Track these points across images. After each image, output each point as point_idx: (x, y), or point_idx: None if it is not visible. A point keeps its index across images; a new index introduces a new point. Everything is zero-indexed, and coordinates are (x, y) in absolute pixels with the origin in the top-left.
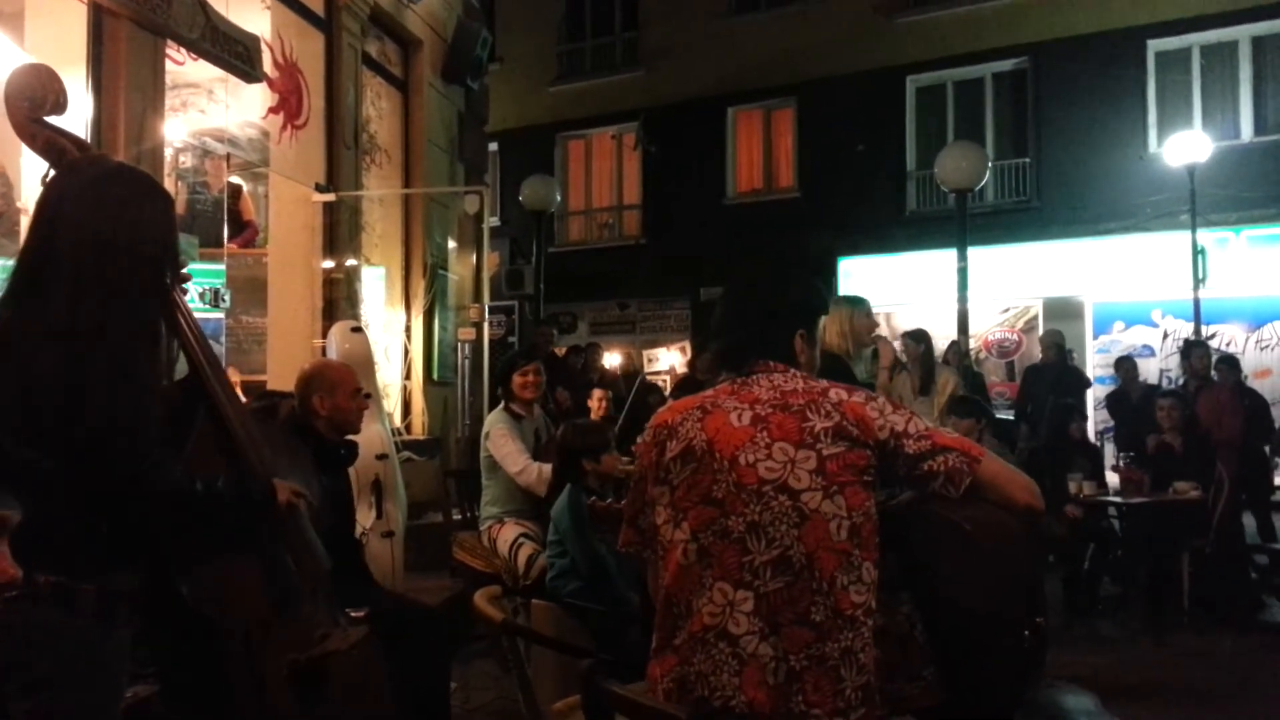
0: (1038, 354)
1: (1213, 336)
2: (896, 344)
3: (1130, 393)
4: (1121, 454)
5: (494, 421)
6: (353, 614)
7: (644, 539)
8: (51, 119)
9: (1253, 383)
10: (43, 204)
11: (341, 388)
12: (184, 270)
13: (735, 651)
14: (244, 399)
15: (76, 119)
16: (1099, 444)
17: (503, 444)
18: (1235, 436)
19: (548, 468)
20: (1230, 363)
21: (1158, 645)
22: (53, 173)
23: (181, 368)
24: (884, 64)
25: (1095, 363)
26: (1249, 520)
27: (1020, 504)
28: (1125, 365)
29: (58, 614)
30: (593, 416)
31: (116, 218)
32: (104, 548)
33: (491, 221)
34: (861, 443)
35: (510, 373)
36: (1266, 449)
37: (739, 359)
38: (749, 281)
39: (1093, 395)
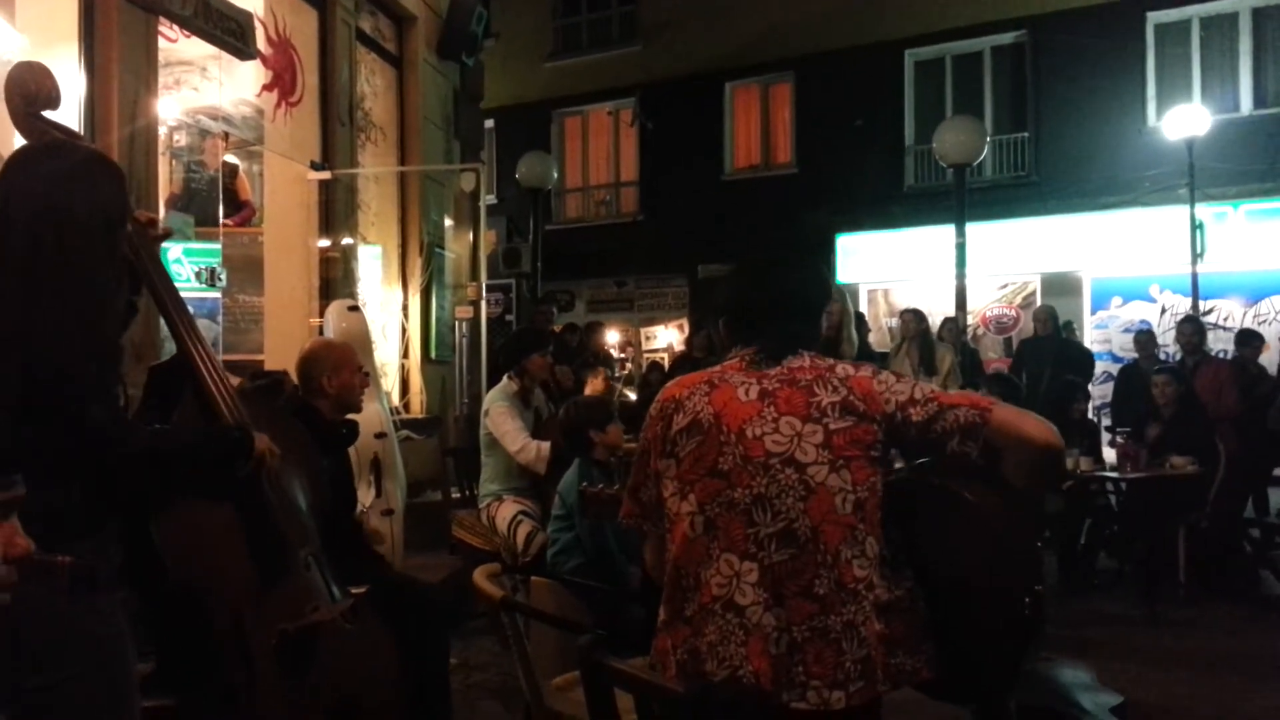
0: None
1: (1210, 311)
2: (894, 321)
3: (1145, 369)
4: (1118, 430)
5: (494, 399)
6: (353, 591)
7: (645, 512)
8: (47, 113)
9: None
10: None
11: (347, 365)
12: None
13: (741, 622)
14: (237, 378)
15: (70, 98)
16: (1096, 419)
17: (502, 422)
18: (1233, 412)
19: (546, 445)
20: (1249, 338)
21: (1153, 619)
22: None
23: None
24: (882, 38)
25: (1093, 338)
26: None
27: (1039, 442)
28: (1142, 340)
29: (37, 590)
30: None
31: (74, 189)
32: (75, 516)
33: (488, 199)
34: (869, 417)
35: (530, 353)
36: None
37: (783, 353)
38: (782, 272)
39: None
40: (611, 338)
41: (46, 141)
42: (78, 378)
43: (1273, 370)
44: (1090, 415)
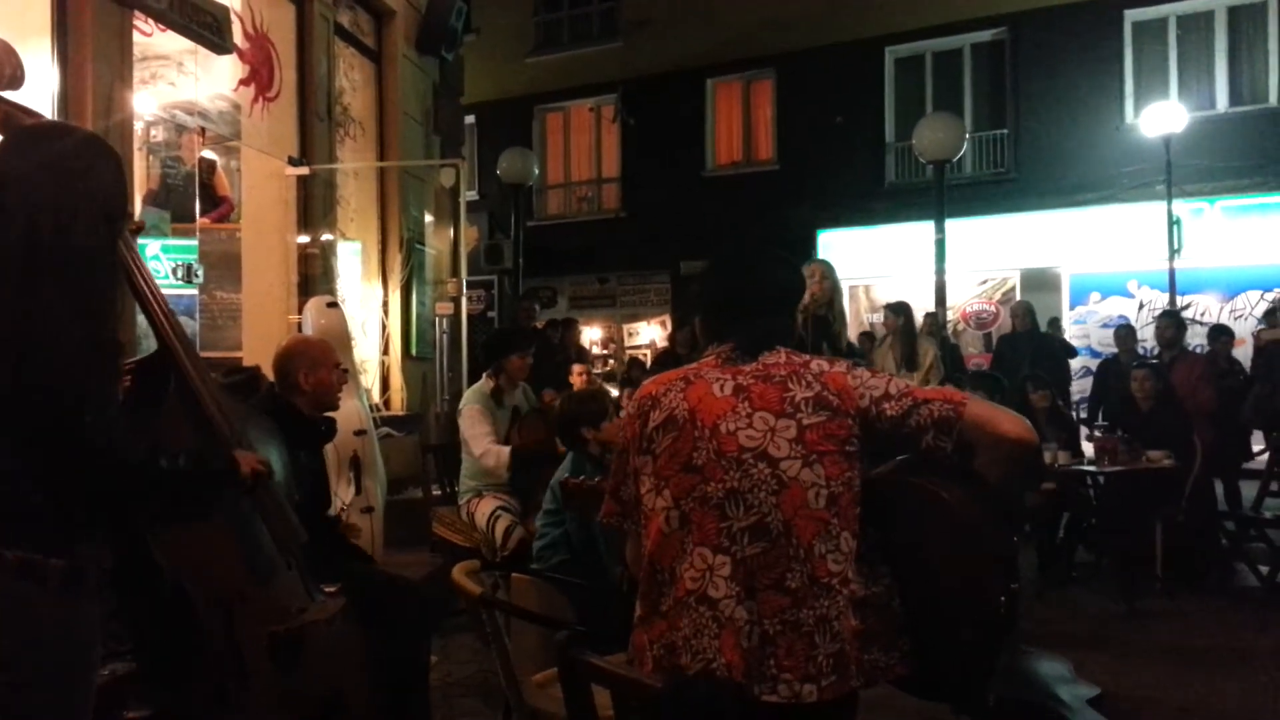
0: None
1: (1187, 307)
2: (876, 316)
3: (1125, 363)
4: (1096, 424)
5: (469, 400)
6: (326, 589)
7: (625, 510)
8: (8, 94)
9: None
10: None
11: (324, 362)
12: (136, 222)
13: (714, 615)
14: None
15: (42, 92)
16: (1075, 413)
17: (471, 425)
18: (1209, 406)
19: (506, 451)
20: (1220, 333)
21: (1131, 612)
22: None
23: (152, 343)
24: (863, 35)
25: (1072, 333)
26: (1217, 487)
27: (1012, 437)
28: (1122, 335)
29: (25, 589)
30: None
31: (72, 174)
32: (71, 520)
33: (469, 195)
34: (843, 412)
35: (510, 353)
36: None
37: (758, 349)
38: (753, 268)
39: (1073, 364)
40: (593, 334)
41: (42, 124)
42: (77, 377)
43: (1246, 364)
44: (1068, 408)
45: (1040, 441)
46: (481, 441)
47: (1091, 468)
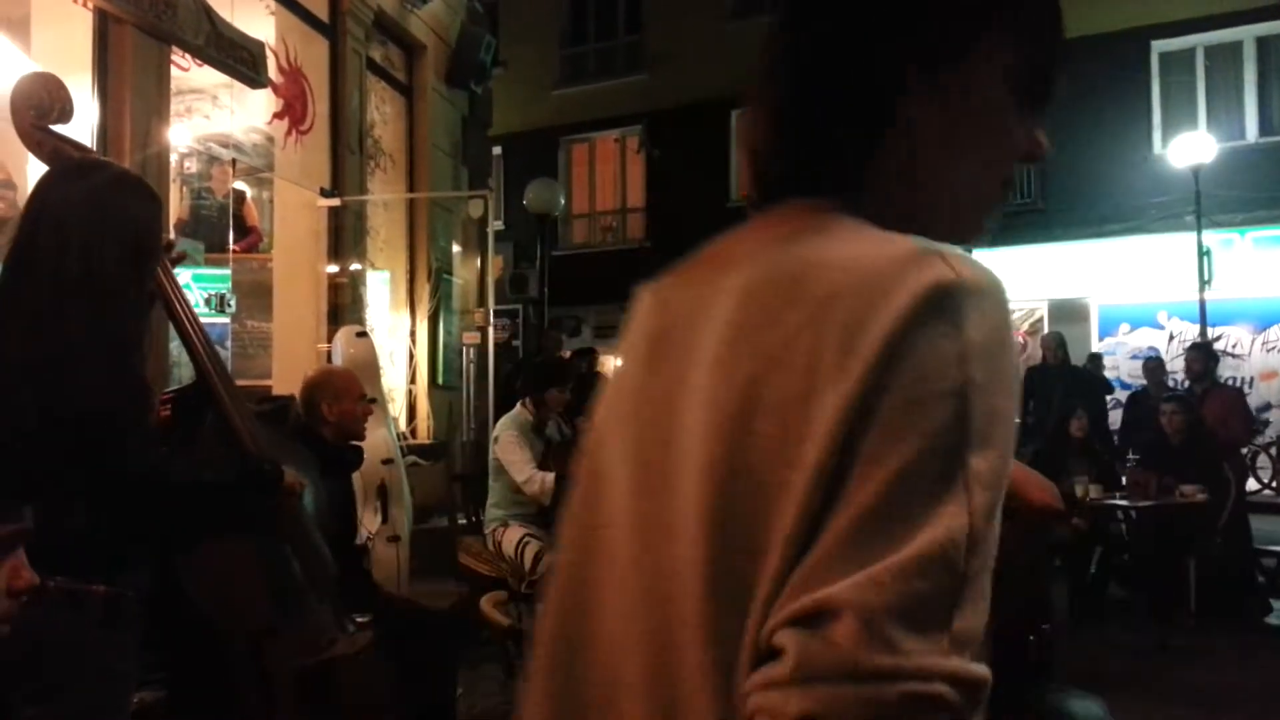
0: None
1: (1219, 338)
2: None
3: (1155, 396)
4: (1126, 457)
5: (505, 427)
6: (358, 620)
7: None
8: (57, 127)
9: (1260, 385)
10: (31, 200)
11: (348, 393)
12: (176, 253)
13: None
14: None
15: (82, 125)
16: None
17: (511, 451)
18: (1241, 439)
19: (551, 477)
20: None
21: (1164, 649)
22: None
23: (185, 371)
24: None
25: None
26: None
27: (1037, 504)
28: (1151, 366)
29: (66, 617)
30: None
31: (104, 209)
32: (111, 548)
33: (495, 225)
34: None
35: (550, 386)
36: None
37: None
38: None
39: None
40: (617, 364)
41: (85, 158)
42: (107, 406)
43: (1276, 397)
44: (1106, 443)
45: (1074, 481)
46: (525, 468)
47: (1123, 502)
